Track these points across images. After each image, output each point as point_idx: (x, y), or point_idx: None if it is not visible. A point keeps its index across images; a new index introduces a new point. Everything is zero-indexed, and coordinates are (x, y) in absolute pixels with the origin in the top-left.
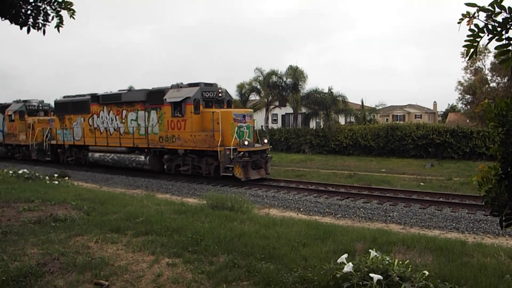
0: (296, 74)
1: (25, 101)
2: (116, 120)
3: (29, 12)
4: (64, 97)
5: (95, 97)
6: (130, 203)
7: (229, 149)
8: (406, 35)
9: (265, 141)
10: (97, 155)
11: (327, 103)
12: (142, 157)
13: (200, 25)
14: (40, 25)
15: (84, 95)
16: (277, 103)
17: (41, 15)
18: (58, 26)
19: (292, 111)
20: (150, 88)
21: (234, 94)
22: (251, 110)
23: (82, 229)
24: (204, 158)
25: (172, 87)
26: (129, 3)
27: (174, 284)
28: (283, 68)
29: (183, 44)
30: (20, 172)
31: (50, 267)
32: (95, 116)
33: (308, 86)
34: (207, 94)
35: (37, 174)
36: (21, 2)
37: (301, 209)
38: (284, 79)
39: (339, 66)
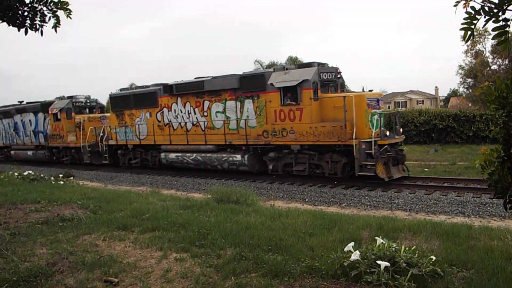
0: (296, 63)
1: (70, 97)
2: (195, 114)
3: (26, 13)
4: (121, 89)
5: (167, 87)
6: (136, 200)
7: (366, 142)
8: (404, 19)
9: (400, 130)
10: (173, 155)
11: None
12: (238, 156)
13: (196, 19)
14: (38, 26)
15: (147, 86)
16: None
17: (38, 16)
18: (55, 27)
19: None
20: (241, 73)
21: None
22: (382, 93)
23: (89, 227)
24: (326, 155)
25: (275, 69)
26: (122, 1)
27: (183, 279)
28: (282, 59)
29: (179, 39)
30: (25, 173)
31: (60, 267)
32: (165, 109)
33: None
34: (325, 75)
35: (42, 175)
36: (17, 4)
37: (306, 200)
38: None
39: (338, 54)
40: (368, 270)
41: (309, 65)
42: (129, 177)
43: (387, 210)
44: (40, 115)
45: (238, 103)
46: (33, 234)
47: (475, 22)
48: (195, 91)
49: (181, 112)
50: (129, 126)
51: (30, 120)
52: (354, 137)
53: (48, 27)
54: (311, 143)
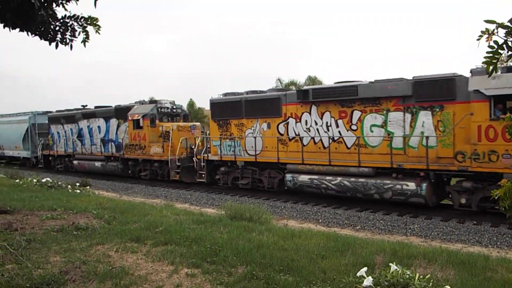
0: (315, 83)
1: (154, 102)
2: (337, 127)
3: (57, 28)
4: (225, 94)
5: (299, 93)
6: (150, 212)
7: None
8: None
9: None
10: (305, 178)
11: None
12: (411, 184)
13: (220, 34)
14: (68, 40)
15: (263, 91)
16: None
17: (69, 31)
18: (84, 41)
19: None
20: (412, 77)
21: None
22: None
23: (103, 238)
24: None
25: (473, 72)
26: (149, 12)
27: None
28: (301, 78)
29: (203, 53)
30: (43, 180)
31: (72, 275)
32: (291, 120)
33: None
34: None
35: (59, 183)
36: (50, 19)
37: (320, 221)
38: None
39: (357, 70)
40: None
41: None
42: (143, 189)
43: (402, 235)
44: (113, 121)
45: (408, 115)
46: (48, 242)
47: (497, 56)
48: (341, 98)
49: (316, 124)
50: (236, 138)
51: (99, 127)
52: None
53: (77, 41)
54: None
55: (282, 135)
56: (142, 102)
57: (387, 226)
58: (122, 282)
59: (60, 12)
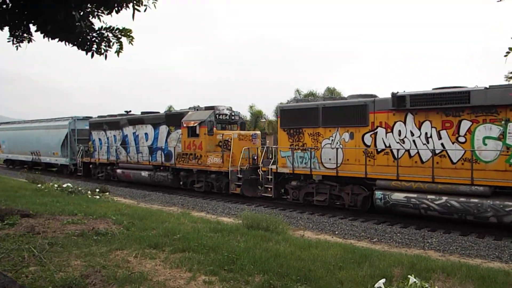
0: (333, 95)
1: (211, 108)
2: (439, 138)
3: (93, 39)
4: (296, 100)
5: (394, 99)
6: (167, 220)
7: None
8: (452, 52)
9: None
10: (399, 196)
11: None
12: None
13: (241, 45)
14: (103, 50)
15: (343, 97)
16: None
17: (104, 41)
18: (118, 52)
19: None
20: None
21: (271, 114)
22: None
23: (122, 243)
24: None
25: None
26: (170, 24)
27: None
28: (321, 89)
29: (224, 64)
30: (64, 186)
31: (93, 279)
32: (380, 130)
33: None
34: None
35: (79, 188)
36: (87, 30)
37: (336, 232)
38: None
39: (375, 86)
40: None
41: None
42: (161, 197)
43: (420, 249)
44: (162, 128)
45: None
46: (69, 246)
47: None
48: (446, 106)
49: (412, 135)
50: (310, 149)
51: (146, 134)
52: None
53: (111, 51)
54: None
55: (368, 146)
56: (196, 108)
57: (404, 239)
58: (141, 287)
59: (96, 23)
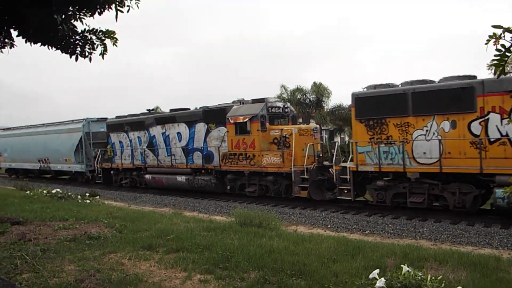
0: (320, 90)
1: (261, 100)
2: None
3: (76, 42)
4: (374, 87)
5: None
6: (160, 221)
7: None
8: (423, 47)
9: None
10: None
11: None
12: None
13: (221, 44)
14: (87, 53)
15: (432, 81)
16: (301, 120)
17: (88, 44)
18: (102, 54)
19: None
20: None
21: None
22: None
23: (115, 246)
24: None
25: None
26: (148, 25)
27: None
28: (306, 84)
29: (204, 64)
30: (53, 191)
31: (87, 283)
32: (493, 116)
33: (331, 102)
34: None
35: (69, 193)
36: (70, 33)
37: (329, 226)
38: (308, 95)
39: (360, 82)
40: None
41: None
42: (152, 198)
43: (411, 238)
44: (199, 126)
45: None
46: (62, 251)
47: (505, 59)
48: None
49: None
50: (397, 142)
51: (179, 133)
52: None
53: (95, 54)
54: None
55: (477, 136)
56: (242, 102)
57: (396, 230)
58: None
59: (79, 26)
